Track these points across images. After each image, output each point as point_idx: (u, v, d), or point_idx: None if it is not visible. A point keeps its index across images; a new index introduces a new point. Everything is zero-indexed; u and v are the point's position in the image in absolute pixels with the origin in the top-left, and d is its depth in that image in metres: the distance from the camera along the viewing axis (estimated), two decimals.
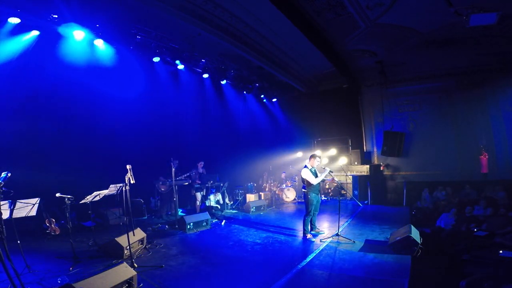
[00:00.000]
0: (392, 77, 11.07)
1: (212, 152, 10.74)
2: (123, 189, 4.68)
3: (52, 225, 6.06)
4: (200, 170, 8.95)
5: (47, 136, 6.89)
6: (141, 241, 5.37)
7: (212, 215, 8.09)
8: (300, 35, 7.25)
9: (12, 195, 4.00)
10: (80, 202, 5.17)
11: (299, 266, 4.61)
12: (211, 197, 9.10)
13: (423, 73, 10.87)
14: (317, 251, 5.26)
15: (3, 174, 3.81)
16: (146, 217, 8.28)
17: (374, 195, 10.57)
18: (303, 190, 6.28)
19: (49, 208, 6.33)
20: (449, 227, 6.87)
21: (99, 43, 6.94)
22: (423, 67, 10.54)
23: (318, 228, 6.59)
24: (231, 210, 9.52)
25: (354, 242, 5.69)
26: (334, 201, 11.26)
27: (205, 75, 9.49)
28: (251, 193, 10.44)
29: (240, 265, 4.73)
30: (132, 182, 4.59)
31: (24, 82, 6.32)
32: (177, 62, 8.56)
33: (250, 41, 8.36)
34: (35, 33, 6.03)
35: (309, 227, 6.27)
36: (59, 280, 3.85)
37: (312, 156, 6.37)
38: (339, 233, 6.06)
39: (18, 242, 4.23)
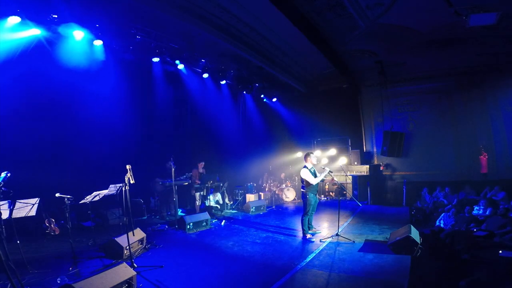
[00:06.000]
0: (392, 77, 11.07)
1: (212, 152, 10.74)
2: (123, 189, 4.68)
3: (52, 225, 6.05)
4: (201, 170, 8.95)
5: (47, 136, 6.89)
6: (141, 241, 5.36)
7: (212, 215, 8.09)
8: (300, 35, 7.25)
9: (12, 195, 4.00)
10: (80, 202, 5.17)
11: (299, 266, 4.61)
12: (211, 197, 9.10)
13: (423, 73, 10.87)
14: (317, 251, 5.26)
15: (3, 174, 3.81)
16: (146, 217, 8.27)
17: (373, 195, 10.57)
18: (301, 190, 6.27)
19: (49, 208, 6.33)
20: (448, 227, 6.87)
21: (99, 43, 6.94)
22: (423, 67, 10.54)
23: (315, 227, 6.59)
24: (230, 210, 9.51)
25: (354, 242, 5.69)
26: (333, 201, 11.27)
27: (205, 75, 9.49)
28: (251, 193, 10.43)
29: (240, 265, 4.73)
30: (132, 182, 4.59)
31: (24, 83, 6.31)
32: (177, 62, 8.56)
33: (250, 41, 8.36)
34: (35, 32, 6.01)
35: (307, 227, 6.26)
36: (59, 280, 3.85)
37: (307, 155, 6.29)
38: (339, 233, 6.06)
39: (18, 242, 4.22)
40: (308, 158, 6.24)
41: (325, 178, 6.40)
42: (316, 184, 6.09)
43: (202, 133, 10.95)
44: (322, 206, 9.72)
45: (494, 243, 5.15)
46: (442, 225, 7.11)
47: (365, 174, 10.71)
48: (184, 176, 8.07)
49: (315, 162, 6.35)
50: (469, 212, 7.31)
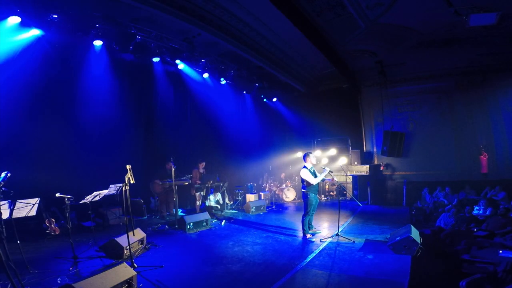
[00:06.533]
0: (392, 77, 11.09)
1: (212, 152, 10.74)
2: (123, 189, 4.67)
3: (52, 225, 6.05)
4: (201, 170, 8.95)
5: (47, 136, 6.89)
6: (141, 241, 5.36)
7: (212, 215, 8.08)
8: (300, 35, 7.25)
9: (12, 195, 4.00)
10: (80, 202, 5.17)
11: (299, 266, 4.61)
12: (211, 197, 9.10)
13: (423, 73, 10.88)
14: (317, 251, 5.26)
15: (3, 174, 3.81)
16: (146, 217, 8.27)
17: (374, 195, 10.57)
18: (302, 190, 6.26)
19: (49, 208, 6.34)
20: (449, 227, 6.87)
21: (99, 43, 6.96)
22: (423, 67, 10.55)
23: (315, 227, 6.59)
24: (231, 210, 9.51)
25: (354, 242, 5.69)
26: (334, 201, 11.27)
27: (205, 75, 9.50)
28: (251, 193, 10.43)
29: (240, 265, 4.73)
30: (132, 182, 4.59)
31: (24, 82, 6.32)
32: (177, 62, 8.57)
33: (250, 41, 8.36)
34: (34, 32, 6.03)
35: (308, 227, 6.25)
36: (59, 280, 3.85)
37: (307, 155, 6.28)
38: (339, 233, 6.06)
39: (18, 242, 4.22)
40: (308, 158, 6.24)
41: (325, 178, 6.38)
42: (316, 184, 6.09)
43: (202, 133, 10.95)
44: (322, 206, 9.72)
45: (494, 243, 5.15)
46: (442, 225, 7.11)
47: (365, 174, 10.70)
48: (184, 178, 8.06)
49: (314, 162, 6.34)
50: (469, 212, 7.31)
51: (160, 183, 8.06)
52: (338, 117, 12.11)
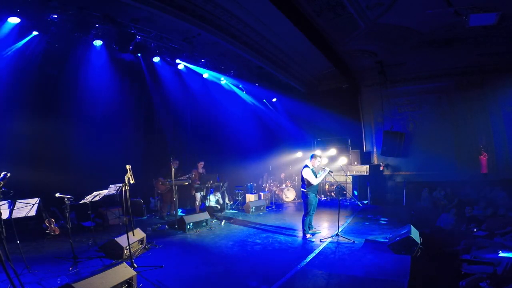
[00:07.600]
0: (392, 77, 11.08)
1: (212, 152, 10.74)
2: (123, 189, 4.67)
3: (52, 225, 6.05)
4: (200, 170, 8.94)
5: (47, 136, 6.89)
6: (141, 241, 5.36)
7: (212, 215, 8.08)
8: (300, 35, 7.25)
9: (12, 195, 4.00)
10: (80, 202, 5.17)
11: (299, 266, 4.61)
12: (211, 197, 9.09)
13: (423, 73, 10.89)
14: (317, 251, 5.26)
15: (2, 174, 3.80)
16: (146, 217, 8.27)
17: (373, 195, 10.57)
18: (302, 190, 6.26)
19: (49, 208, 6.33)
20: (448, 227, 6.87)
21: (99, 43, 6.96)
22: (423, 67, 10.55)
23: (315, 228, 6.59)
24: (231, 210, 9.51)
25: (354, 242, 5.69)
26: (333, 201, 11.27)
27: (205, 75, 9.49)
28: (251, 193, 10.43)
29: (240, 265, 4.73)
30: (132, 182, 4.58)
31: (24, 82, 6.32)
32: (177, 62, 8.57)
33: (250, 41, 8.36)
34: (35, 32, 6.03)
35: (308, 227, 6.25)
36: (59, 280, 3.85)
37: (314, 157, 6.31)
38: (339, 233, 6.06)
39: (18, 242, 4.22)
40: (314, 159, 6.25)
41: (326, 177, 6.36)
42: (316, 184, 6.09)
43: (202, 132, 10.96)
44: (322, 206, 9.71)
45: (494, 243, 5.14)
46: (442, 225, 7.10)
47: (365, 174, 10.71)
48: (186, 176, 8.05)
49: (316, 166, 6.35)
50: (469, 212, 7.31)
51: (160, 182, 8.05)
52: (338, 117, 12.09)
